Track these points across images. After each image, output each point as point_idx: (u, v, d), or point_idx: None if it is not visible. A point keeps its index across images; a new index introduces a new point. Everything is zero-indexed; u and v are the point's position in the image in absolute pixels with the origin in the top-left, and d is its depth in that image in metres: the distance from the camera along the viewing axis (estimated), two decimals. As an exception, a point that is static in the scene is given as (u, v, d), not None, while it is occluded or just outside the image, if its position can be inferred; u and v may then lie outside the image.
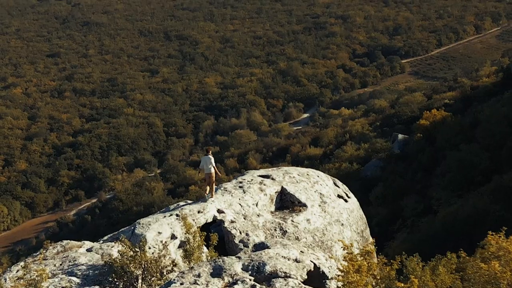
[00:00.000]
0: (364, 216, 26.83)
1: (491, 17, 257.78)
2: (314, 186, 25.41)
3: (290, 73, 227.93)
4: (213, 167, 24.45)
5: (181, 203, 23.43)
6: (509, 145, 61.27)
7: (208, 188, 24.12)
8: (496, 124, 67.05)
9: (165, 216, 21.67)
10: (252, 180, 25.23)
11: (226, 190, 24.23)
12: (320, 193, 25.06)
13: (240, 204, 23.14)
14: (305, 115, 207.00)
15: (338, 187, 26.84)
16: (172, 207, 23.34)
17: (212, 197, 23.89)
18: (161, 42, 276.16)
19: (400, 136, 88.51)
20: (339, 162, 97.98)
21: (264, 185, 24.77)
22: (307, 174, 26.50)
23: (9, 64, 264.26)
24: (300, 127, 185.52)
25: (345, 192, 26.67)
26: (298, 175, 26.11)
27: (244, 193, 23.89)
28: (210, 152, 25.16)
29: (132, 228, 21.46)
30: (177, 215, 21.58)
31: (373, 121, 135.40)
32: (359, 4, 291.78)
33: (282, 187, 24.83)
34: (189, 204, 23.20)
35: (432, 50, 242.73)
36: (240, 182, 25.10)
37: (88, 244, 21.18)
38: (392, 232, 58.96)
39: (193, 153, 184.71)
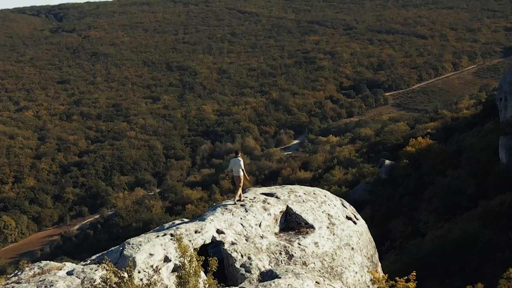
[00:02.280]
0: (372, 239, 22.83)
1: (467, 55, 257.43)
2: (322, 206, 21.49)
3: (281, 103, 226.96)
4: (242, 170, 21.78)
5: (177, 222, 19.73)
6: (495, 172, 58.82)
7: (239, 191, 21.66)
8: (481, 152, 64.78)
9: (158, 236, 17.62)
10: (254, 198, 21.28)
11: (226, 209, 20.22)
12: (328, 214, 21.17)
13: (241, 224, 19.21)
14: (295, 141, 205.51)
15: (346, 208, 22.84)
16: (166, 225, 19.56)
17: (241, 200, 21.23)
18: (163, 72, 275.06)
19: (387, 161, 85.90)
20: (328, 185, 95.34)
21: (268, 203, 20.84)
22: (314, 193, 22.49)
23: (22, 89, 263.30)
24: (290, 152, 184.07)
25: (353, 214, 22.73)
26: (304, 193, 22.16)
27: (246, 212, 19.92)
28: (240, 154, 22.45)
29: (121, 248, 17.48)
30: (171, 234, 17.60)
31: (359, 147, 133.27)
32: (346, 41, 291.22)
33: (287, 206, 20.96)
34: (185, 222, 19.32)
35: (413, 84, 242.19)
36: (242, 201, 21.18)
37: (69, 266, 16.99)
38: (380, 253, 55.86)
39: (190, 174, 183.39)
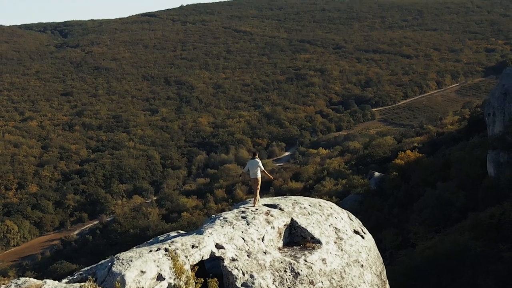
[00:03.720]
0: (380, 255, 19.99)
1: (450, 74, 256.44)
2: (328, 219, 18.61)
3: (274, 116, 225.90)
4: (262, 171, 19.88)
5: (172, 234, 17.01)
6: (484, 186, 56.81)
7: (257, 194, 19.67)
8: (469, 166, 62.80)
9: (151, 251, 14.64)
10: (257, 209, 18.29)
11: (226, 221, 17.07)
12: (335, 228, 18.37)
13: (243, 238, 16.17)
14: (287, 153, 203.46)
15: (353, 221, 20.14)
16: (161, 238, 16.77)
17: (255, 204, 19.18)
18: (161, 86, 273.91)
19: (376, 173, 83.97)
20: (319, 196, 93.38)
21: (272, 216, 17.83)
22: (319, 205, 19.60)
23: (27, 101, 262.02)
24: (282, 164, 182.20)
25: (360, 227, 20.00)
26: (310, 205, 19.25)
27: (248, 225, 16.90)
28: (258, 155, 20.49)
29: (109, 264, 14.76)
30: (166, 249, 14.62)
31: (348, 160, 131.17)
32: (335, 60, 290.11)
33: (292, 219, 18.04)
34: (182, 235, 16.45)
35: (399, 101, 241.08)
36: (243, 212, 18.07)
37: (50, 284, 14.50)
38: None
39: (186, 183, 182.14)
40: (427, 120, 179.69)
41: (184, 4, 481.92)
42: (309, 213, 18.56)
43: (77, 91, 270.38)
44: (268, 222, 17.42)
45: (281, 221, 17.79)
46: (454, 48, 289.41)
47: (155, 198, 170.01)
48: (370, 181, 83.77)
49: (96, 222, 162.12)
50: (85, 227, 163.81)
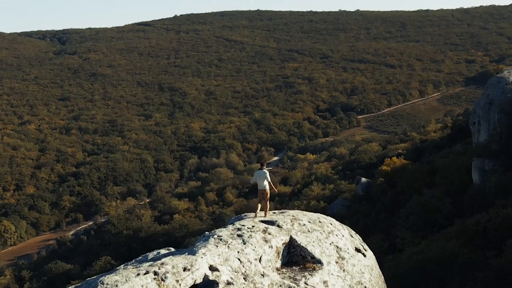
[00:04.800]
0: (381, 273, 18.21)
1: (432, 84, 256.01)
2: (329, 237, 16.43)
3: (263, 122, 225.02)
4: (269, 182, 18.16)
5: (162, 251, 14.99)
6: (469, 193, 55.48)
7: (259, 205, 18.00)
8: (454, 173, 61.42)
9: (138, 274, 12.27)
10: (253, 227, 15.91)
11: (221, 239, 14.74)
12: (337, 246, 16.16)
13: (239, 259, 13.95)
14: (275, 158, 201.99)
15: (353, 237, 18.00)
16: (150, 256, 14.83)
17: (265, 216, 17.49)
18: (155, 92, 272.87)
19: (363, 179, 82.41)
20: (307, 200, 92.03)
21: (269, 234, 15.58)
22: (319, 222, 17.31)
23: (26, 105, 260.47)
24: (271, 168, 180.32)
25: (361, 244, 17.89)
26: (309, 222, 16.99)
27: (244, 244, 14.65)
28: (265, 166, 18.85)
29: (93, 287, 12.43)
30: (155, 273, 12.37)
31: (335, 165, 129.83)
32: (322, 69, 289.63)
33: (291, 237, 15.86)
34: (173, 254, 14.23)
35: (383, 108, 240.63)
36: (239, 229, 15.70)
37: None
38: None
39: (178, 186, 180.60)
40: (410, 128, 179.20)
41: (178, 14, 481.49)
42: (308, 231, 16.48)
43: (74, 96, 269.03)
44: (266, 241, 15.30)
45: (279, 239, 15.68)
46: (435, 59, 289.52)
47: (148, 200, 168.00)
48: (357, 187, 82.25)
49: (91, 223, 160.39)
50: (80, 227, 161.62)
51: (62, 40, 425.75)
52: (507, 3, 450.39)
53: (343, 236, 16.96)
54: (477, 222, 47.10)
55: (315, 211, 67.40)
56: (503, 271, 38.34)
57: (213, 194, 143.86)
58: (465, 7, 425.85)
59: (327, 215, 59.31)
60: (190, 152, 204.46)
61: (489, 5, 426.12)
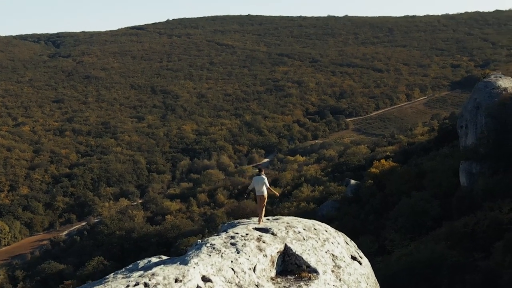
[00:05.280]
0: (377, 281, 17.32)
1: (419, 88, 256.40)
2: (325, 245, 15.49)
3: (254, 125, 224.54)
4: (267, 188, 17.55)
5: (153, 260, 13.85)
6: (457, 195, 55.12)
7: (262, 211, 17.30)
8: (442, 175, 61.03)
9: (128, 286, 11.51)
10: (247, 235, 14.94)
11: (214, 248, 13.78)
12: (332, 255, 15.24)
13: (232, 269, 13.03)
14: (266, 160, 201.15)
15: (348, 244, 16.97)
16: (141, 264, 13.67)
17: (259, 223, 16.72)
18: (148, 95, 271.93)
19: (352, 181, 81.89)
20: (297, 201, 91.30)
21: (264, 242, 14.61)
22: (314, 229, 16.31)
23: (21, 107, 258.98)
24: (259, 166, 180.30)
25: (356, 251, 16.85)
26: (304, 229, 16.01)
27: (238, 253, 13.71)
28: (263, 172, 18.05)
29: None
30: (145, 284, 11.58)
31: (324, 167, 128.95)
32: (311, 72, 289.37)
33: (285, 245, 14.91)
34: (164, 263, 13.26)
35: (371, 112, 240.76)
36: (232, 237, 14.73)
37: None
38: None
39: (170, 187, 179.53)
40: (398, 130, 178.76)
41: (170, 19, 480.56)
42: (304, 238, 15.57)
43: (68, 99, 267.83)
44: (260, 250, 14.34)
45: (274, 248, 14.71)
46: (422, 63, 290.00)
47: (140, 201, 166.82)
48: (346, 189, 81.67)
49: (84, 223, 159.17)
50: (74, 228, 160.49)
51: (56, 43, 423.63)
52: (491, 10, 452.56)
53: (338, 243, 16.15)
54: (465, 224, 46.74)
55: (305, 213, 66.64)
56: (492, 274, 38.01)
57: (205, 195, 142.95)
58: (450, 13, 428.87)
59: (317, 217, 58.96)
60: (182, 154, 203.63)
61: (474, 12, 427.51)
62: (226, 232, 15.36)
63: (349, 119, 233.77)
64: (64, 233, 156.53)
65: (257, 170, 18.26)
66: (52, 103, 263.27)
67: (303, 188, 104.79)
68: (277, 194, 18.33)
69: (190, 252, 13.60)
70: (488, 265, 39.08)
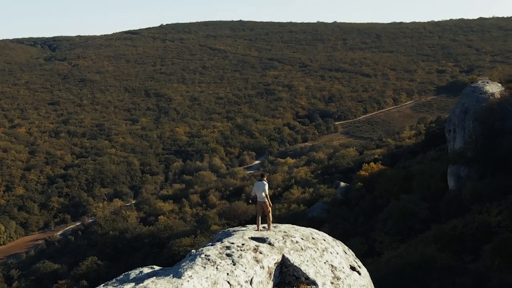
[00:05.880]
0: None
1: (406, 92, 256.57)
2: (324, 255, 14.42)
3: (245, 128, 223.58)
4: (266, 195, 16.41)
5: (145, 270, 12.59)
6: (445, 199, 54.47)
7: (259, 219, 16.19)
8: (430, 178, 60.38)
9: None
10: (243, 245, 13.80)
11: (209, 260, 12.64)
12: (332, 265, 14.19)
13: (228, 282, 11.94)
14: (257, 162, 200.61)
15: (347, 254, 15.82)
16: (132, 275, 12.57)
17: (269, 229, 15.69)
18: (142, 98, 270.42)
19: (342, 183, 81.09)
20: (287, 203, 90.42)
21: (261, 253, 13.50)
22: (312, 238, 15.21)
23: (17, 109, 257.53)
24: (252, 171, 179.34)
25: (355, 261, 15.75)
26: (302, 239, 14.94)
27: (234, 265, 12.58)
28: (265, 177, 16.94)
29: None
30: None
31: (314, 169, 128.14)
32: (301, 77, 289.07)
33: (283, 256, 13.82)
34: (157, 275, 12.21)
35: (359, 115, 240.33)
36: (228, 248, 13.59)
37: None
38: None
39: (163, 188, 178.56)
40: (385, 134, 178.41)
41: (164, 24, 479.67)
42: (302, 249, 14.48)
43: (63, 101, 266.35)
44: (257, 261, 13.19)
45: (271, 259, 13.58)
46: (409, 68, 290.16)
47: (134, 201, 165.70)
48: (336, 191, 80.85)
49: (78, 223, 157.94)
50: (68, 228, 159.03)
51: (52, 46, 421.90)
52: (476, 17, 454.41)
53: (337, 253, 15.15)
54: (454, 227, 46.15)
55: (295, 214, 65.57)
56: (481, 277, 37.43)
57: (197, 196, 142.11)
58: (436, 20, 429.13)
59: (307, 218, 57.99)
60: (175, 156, 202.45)
61: (459, 19, 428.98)
62: (221, 242, 14.29)
63: (338, 123, 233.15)
64: (59, 233, 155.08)
65: (259, 175, 17.19)
66: (47, 105, 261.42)
67: (293, 190, 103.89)
68: (271, 205, 16.84)
69: (184, 264, 12.54)
70: (478, 268, 38.51)
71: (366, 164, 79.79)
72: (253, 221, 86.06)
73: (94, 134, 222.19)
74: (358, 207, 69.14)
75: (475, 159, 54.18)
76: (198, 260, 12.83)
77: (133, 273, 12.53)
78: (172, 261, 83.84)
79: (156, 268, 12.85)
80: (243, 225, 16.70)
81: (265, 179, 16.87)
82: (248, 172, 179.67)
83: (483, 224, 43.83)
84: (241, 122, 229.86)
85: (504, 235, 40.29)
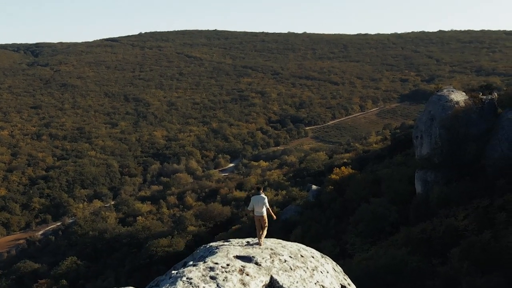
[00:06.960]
0: None
1: (371, 100, 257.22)
2: (314, 275, 12.80)
3: (220, 132, 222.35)
4: (267, 209, 15.10)
5: None
6: (413, 202, 53.78)
7: (261, 233, 14.84)
8: (398, 182, 59.85)
9: None
10: (228, 265, 12.03)
11: (191, 284, 10.95)
12: (323, 286, 12.62)
13: None
14: (231, 165, 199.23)
15: (336, 271, 14.46)
16: None
17: (261, 244, 14.21)
18: (121, 102, 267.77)
19: (313, 186, 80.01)
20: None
21: (247, 275, 11.78)
22: (301, 256, 13.62)
23: (0, 112, 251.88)
24: (227, 174, 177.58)
25: (344, 278, 14.34)
26: (290, 257, 13.28)
27: None
28: (262, 190, 15.50)
29: None
30: None
31: (286, 172, 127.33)
32: (273, 84, 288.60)
33: (271, 277, 12.12)
34: None
35: (328, 121, 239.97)
36: (211, 269, 11.79)
37: None
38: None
39: (141, 189, 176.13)
40: (353, 139, 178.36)
41: (143, 32, 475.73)
42: (291, 268, 12.82)
43: (45, 105, 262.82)
44: (244, 284, 11.50)
45: (259, 281, 11.86)
46: (374, 77, 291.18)
47: (113, 202, 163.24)
48: (308, 194, 79.74)
49: (59, 223, 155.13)
50: (49, 228, 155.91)
51: (35, 52, 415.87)
52: (435, 30, 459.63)
53: (327, 272, 13.69)
54: (422, 230, 45.49)
55: (269, 216, 63.90)
56: (451, 280, 36.70)
57: (174, 198, 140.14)
58: (399, 32, 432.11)
59: (281, 220, 56.46)
60: (153, 158, 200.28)
61: (420, 31, 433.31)
62: (204, 262, 12.51)
63: (308, 128, 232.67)
64: (40, 233, 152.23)
65: (256, 189, 15.83)
66: (30, 109, 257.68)
67: (266, 192, 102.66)
68: (275, 217, 15.65)
69: (164, 287, 10.96)
70: (447, 271, 37.74)
71: (337, 168, 78.76)
72: (228, 223, 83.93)
73: (74, 137, 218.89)
74: (330, 209, 68.16)
75: (442, 165, 53.75)
76: (179, 284, 11.14)
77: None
78: (150, 261, 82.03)
79: (135, 290, 11.32)
80: (226, 239, 15.09)
81: (262, 192, 15.53)
82: (223, 174, 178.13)
83: (450, 228, 43.26)
84: (216, 126, 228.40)
85: (471, 239, 39.69)
